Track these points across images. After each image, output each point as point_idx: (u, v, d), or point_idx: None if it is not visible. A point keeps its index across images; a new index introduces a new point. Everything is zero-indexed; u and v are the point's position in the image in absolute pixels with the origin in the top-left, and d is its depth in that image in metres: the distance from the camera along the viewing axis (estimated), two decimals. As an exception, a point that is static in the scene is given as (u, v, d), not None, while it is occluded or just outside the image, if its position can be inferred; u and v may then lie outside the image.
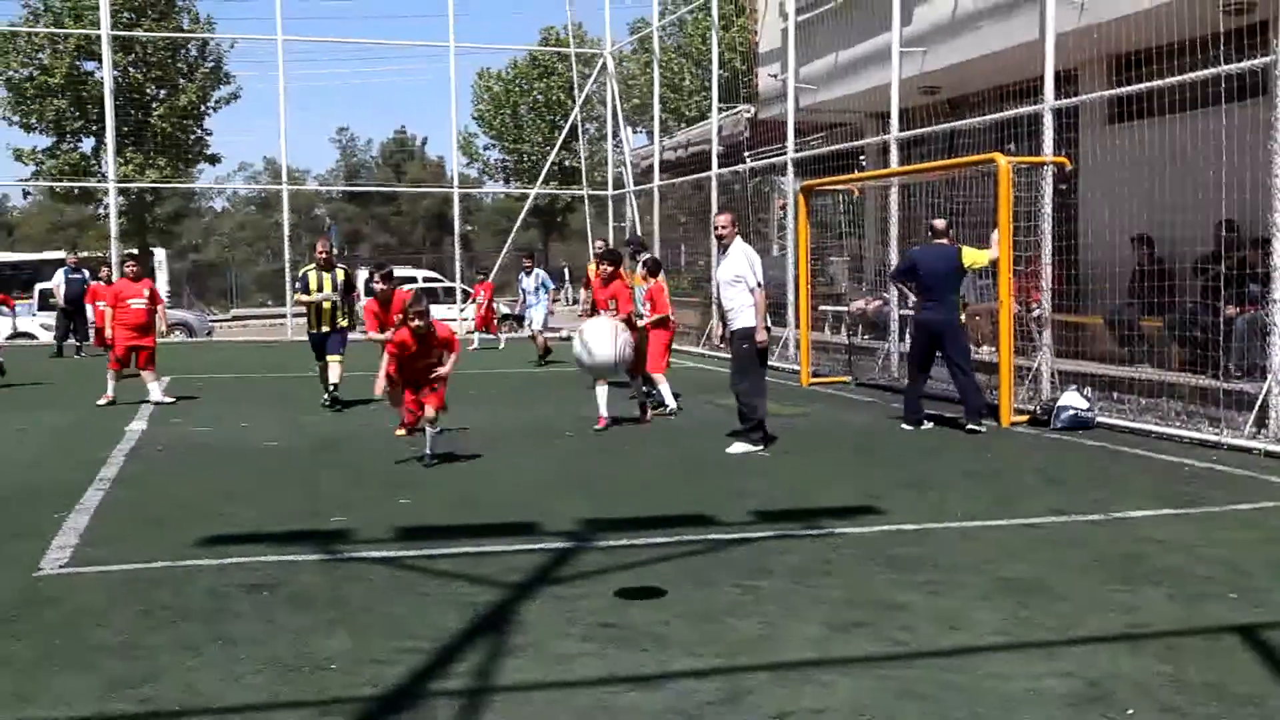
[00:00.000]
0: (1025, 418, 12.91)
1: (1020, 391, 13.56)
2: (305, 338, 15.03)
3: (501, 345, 25.33)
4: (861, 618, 5.79)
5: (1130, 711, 4.57)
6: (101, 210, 36.15)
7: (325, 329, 14.37)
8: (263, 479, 9.83)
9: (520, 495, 9.11)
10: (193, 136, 35.81)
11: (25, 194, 41.93)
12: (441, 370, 10.23)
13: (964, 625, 5.69)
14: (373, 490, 9.29)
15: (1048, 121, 13.84)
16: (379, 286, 13.92)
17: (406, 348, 10.12)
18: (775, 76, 23.14)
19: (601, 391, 12.71)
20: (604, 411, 12.66)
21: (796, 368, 18.00)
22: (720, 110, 26.03)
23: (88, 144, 34.64)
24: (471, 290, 28.42)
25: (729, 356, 11.70)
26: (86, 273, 24.76)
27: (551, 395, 16.04)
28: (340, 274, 14.51)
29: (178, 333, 29.62)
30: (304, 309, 14.93)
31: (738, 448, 11.04)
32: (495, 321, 26.01)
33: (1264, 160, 10.89)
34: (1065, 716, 4.53)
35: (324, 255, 14.51)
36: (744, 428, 11.17)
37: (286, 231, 31.51)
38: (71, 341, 24.02)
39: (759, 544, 7.40)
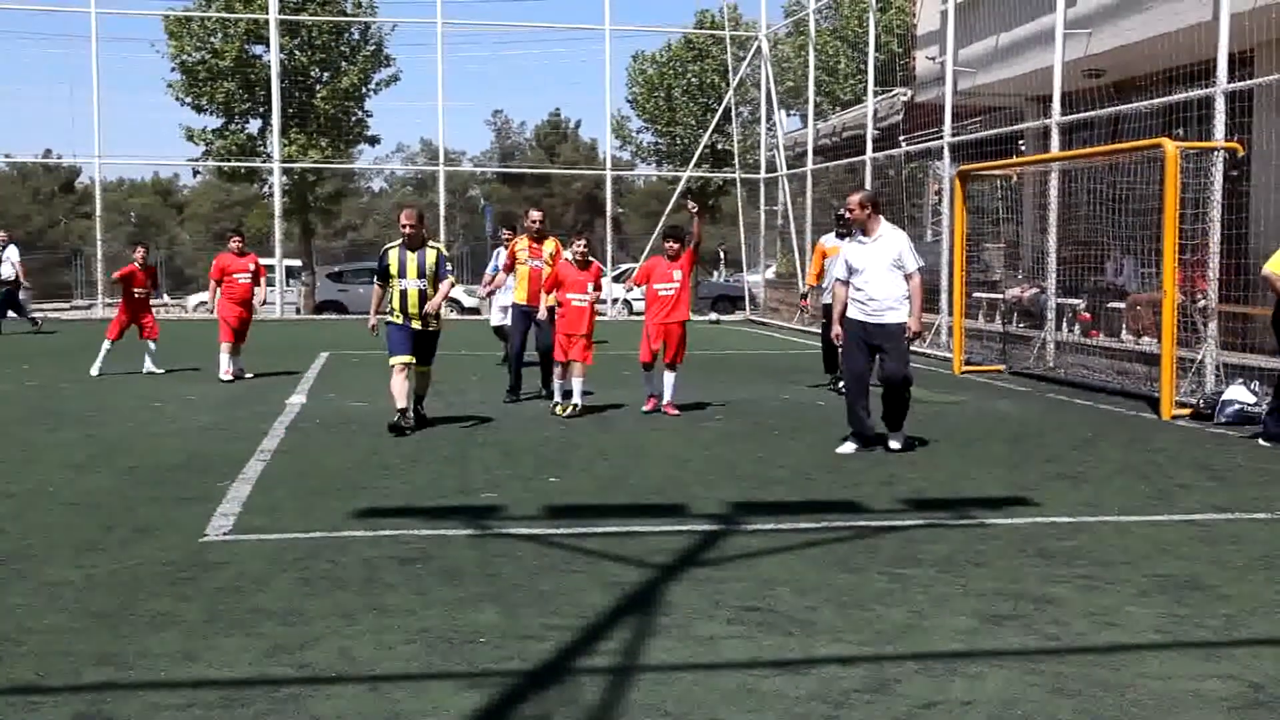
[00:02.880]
0: (1188, 411, 12.53)
1: (1183, 384, 13.16)
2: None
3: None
4: (1012, 610, 5.69)
5: (1295, 718, 4.41)
6: (266, 189, 37.22)
7: (416, 325, 11.23)
8: (415, 454, 10.03)
9: (667, 477, 9.15)
10: (354, 118, 36.58)
11: (195, 173, 43.25)
12: None
13: (1119, 621, 5.54)
14: (522, 468, 9.41)
15: (1219, 105, 13.38)
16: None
17: None
18: (933, 59, 22.80)
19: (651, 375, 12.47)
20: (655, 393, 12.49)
21: (949, 355, 17.73)
22: (876, 94, 25.72)
23: (254, 125, 35.64)
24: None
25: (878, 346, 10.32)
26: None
27: (697, 378, 16.06)
28: (431, 254, 11.23)
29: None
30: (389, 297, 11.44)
31: (898, 442, 10.26)
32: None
33: None
34: (1225, 720, 4.39)
35: (410, 228, 11.19)
36: (900, 426, 10.28)
37: (442, 212, 32.17)
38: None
39: (907, 533, 7.31)
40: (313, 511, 7.73)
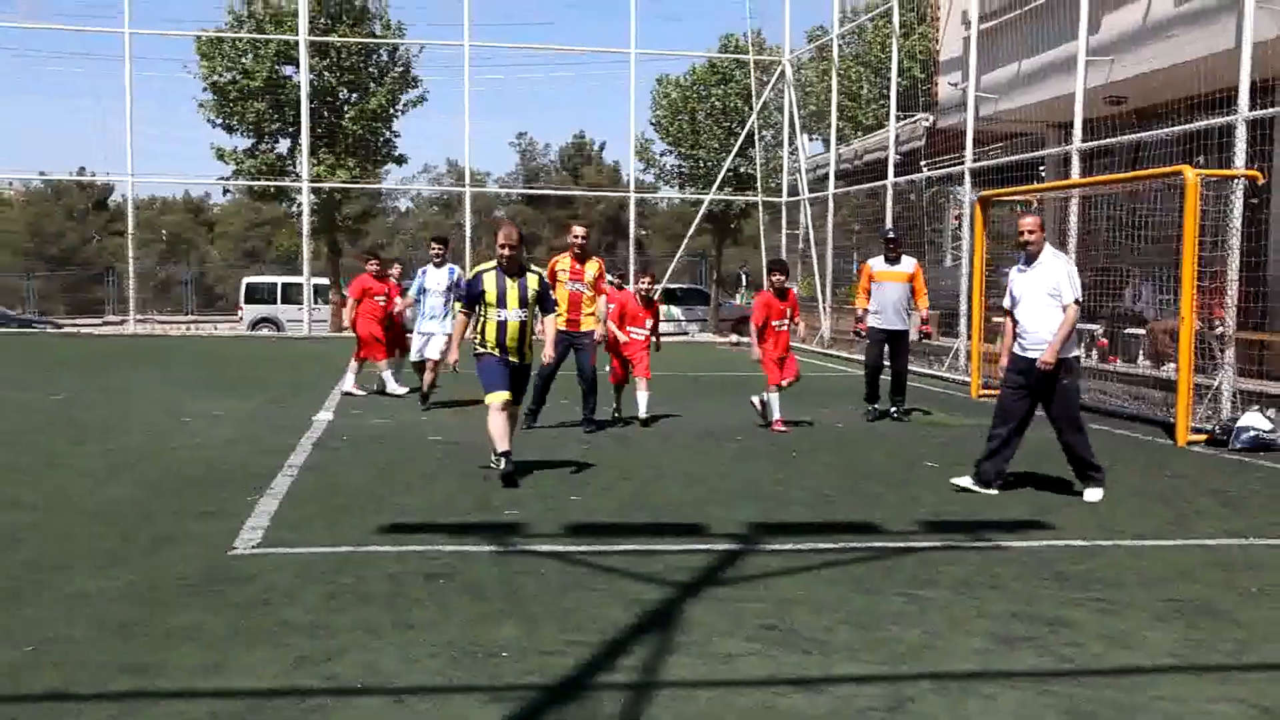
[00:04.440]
0: (1203, 437, 12.56)
1: (1199, 410, 13.19)
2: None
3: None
4: (1027, 632, 5.76)
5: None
6: (295, 208, 37.50)
7: (515, 360, 9.77)
8: (438, 471, 10.13)
9: (688, 496, 9.23)
10: (381, 138, 36.87)
11: (225, 192, 43.74)
12: None
13: (1133, 645, 5.61)
14: (544, 486, 9.50)
15: (1240, 133, 13.43)
16: None
17: None
18: (955, 85, 22.89)
19: (774, 397, 13.18)
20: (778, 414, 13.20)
21: (967, 379, 17.77)
22: (898, 119, 25.83)
23: (284, 145, 35.99)
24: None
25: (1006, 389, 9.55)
26: None
27: (719, 399, 16.13)
28: (534, 280, 9.81)
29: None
30: (474, 325, 9.85)
31: (1096, 494, 9.38)
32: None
33: None
34: (1234, 742, 4.46)
35: (510, 249, 9.68)
36: (1093, 472, 9.44)
37: (468, 232, 32.39)
38: None
39: (924, 554, 7.38)
40: (339, 527, 7.84)
